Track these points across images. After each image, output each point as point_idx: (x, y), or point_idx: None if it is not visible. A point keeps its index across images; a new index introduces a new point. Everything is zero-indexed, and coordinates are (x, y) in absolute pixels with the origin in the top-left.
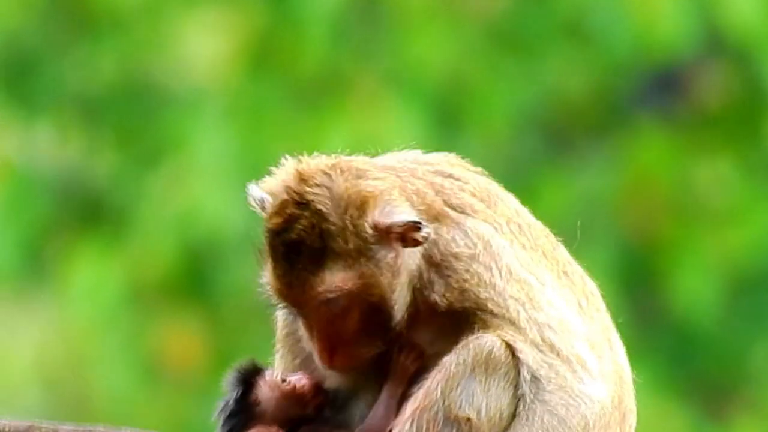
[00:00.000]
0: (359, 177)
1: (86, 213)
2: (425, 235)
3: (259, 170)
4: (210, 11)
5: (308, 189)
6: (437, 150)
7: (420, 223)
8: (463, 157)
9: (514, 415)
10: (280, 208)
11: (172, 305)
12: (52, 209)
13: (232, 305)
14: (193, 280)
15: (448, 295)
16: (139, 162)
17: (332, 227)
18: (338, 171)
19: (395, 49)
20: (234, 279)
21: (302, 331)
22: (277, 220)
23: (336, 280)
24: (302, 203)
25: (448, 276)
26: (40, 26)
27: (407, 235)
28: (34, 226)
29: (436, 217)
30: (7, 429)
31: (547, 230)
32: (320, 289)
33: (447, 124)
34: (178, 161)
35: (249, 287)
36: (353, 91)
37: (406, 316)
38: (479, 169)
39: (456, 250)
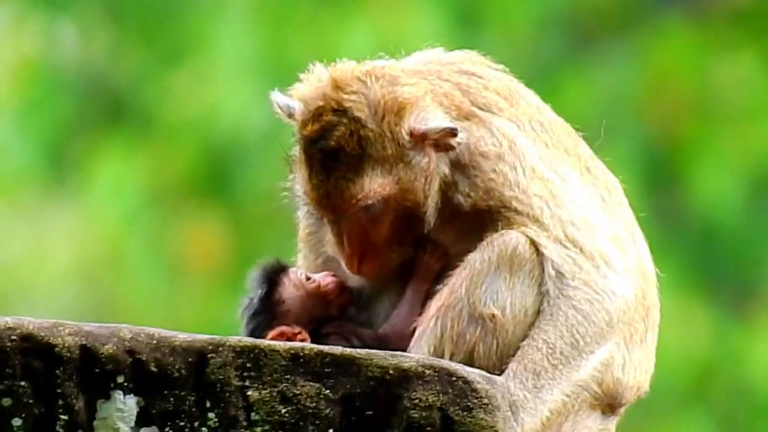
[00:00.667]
0: (393, 83)
1: (109, 112)
2: (459, 140)
3: (281, 70)
4: None
5: (345, 96)
6: (459, 48)
7: (455, 129)
8: (484, 55)
9: (538, 312)
10: (316, 115)
11: (194, 204)
12: (75, 108)
13: (254, 204)
14: (216, 179)
15: (473, 194)
16: (161, 61)
17: (370, 134)
18: (373, 78)
19: None
20: (256, 178)
21: (329, 237)
22: (314, 127)
23: (374, 186)
24: (339, 110)
25: (474, 176)
26: None
27: (441, 141)
28: (57, 125)
29: (466, 118)
30: (31, 327)
31: (568, 127)
32: (359, 196)
33: (468, 22)
34: (200, 60)
35: (271, 187)
36: None
37: (437, 221)
38: (501, 66)
39: (484, 149)
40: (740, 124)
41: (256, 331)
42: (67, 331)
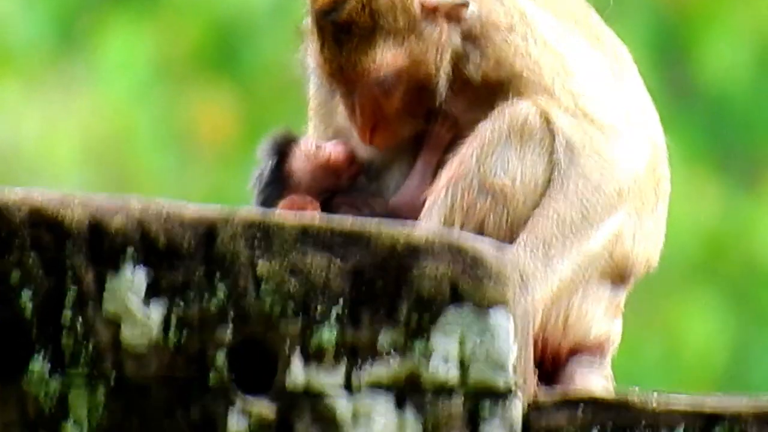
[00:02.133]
0: None
1: None
2: (471, 12)
3: None
4: None
5: None
6: None
7: (467, 1)
8: None
9: (549, 182)
10: None
11: (204, 78)
12: None
13: (263, 77)
14: (224, 52)
15: (483, 65)
16: None
17: (382, 6)
18: None
19: None
20: (265, 51)
21: (341, 108)
22: (325, 0)
23: (387, 58)
24: None
25: (486, 47)
26: None
27: (453, 13)
28: (65, 1)
29: None
30: (40, 200)
31: None
32: (371, 68)
33: None
34: None
35: (281, 59)
36: None
37: (449, 92)
38: None
39: (495, 20)
40: None
41: (267, 202)
42: (76, 202)
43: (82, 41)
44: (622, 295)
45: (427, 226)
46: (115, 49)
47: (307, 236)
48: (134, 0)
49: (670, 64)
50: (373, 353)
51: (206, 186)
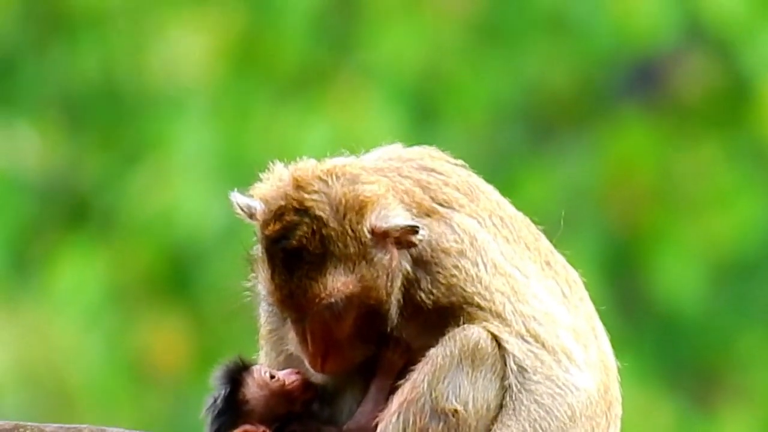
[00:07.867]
0: (354, 182)
1: (70, 213)
2: (421, 237)
3: (241, 168)
4: (192, 10)
5: (306, 195)
6: (418, 143)
7: (417, 226)
8: (443, 150)
9: (501, 407)
10: (278, 214)
11: (155, 304)
12: (35, 210)
13: (215, 303)
14: (176, 278)
15: (435, 291)
16: (122, 162)
17: (332, 232)
18: (333, 176)
19: (373, 43)
20: (216, 277)
21: (291, 335)
22: (276, 227)
23: (338, 284)
24: (301, 210)
25: (437, 272)
26: (19, 26)
27: (403, 238)
28: (18, 227)
29: (427, 214)
30: None
31: (528, 221)
32: (322, 295)
33: (426, 117)
34: (160, 160)
35: (232, 285)
36: (333, 86)
37: (400, 317)
38: (460, 161)
39: (445, 245)
40: (700, 213)
41: (221, 431)
42: (28, 430)
43: (34, 268)
44: None
45: None
46: (67, 275)
47: None
48: (87, 226)
49: (623, 283)
50: None
51: (159, 411)
